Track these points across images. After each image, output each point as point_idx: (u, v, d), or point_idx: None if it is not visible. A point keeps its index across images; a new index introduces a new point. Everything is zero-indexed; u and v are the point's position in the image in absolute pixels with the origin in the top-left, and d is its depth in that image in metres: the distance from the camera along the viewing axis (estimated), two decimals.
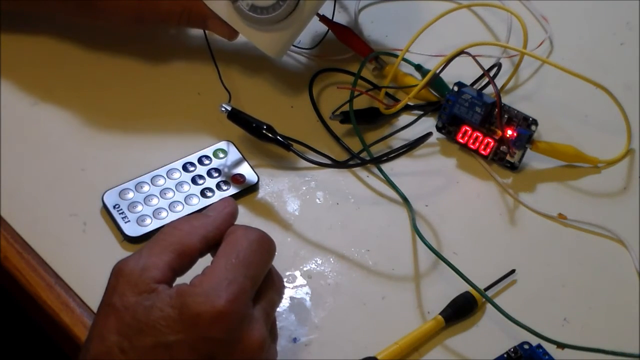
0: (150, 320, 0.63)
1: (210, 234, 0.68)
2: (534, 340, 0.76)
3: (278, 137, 0.83)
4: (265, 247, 0.68)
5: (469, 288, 0.78)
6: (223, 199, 0.72)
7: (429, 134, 0.86)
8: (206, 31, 0.90)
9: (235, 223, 0.70)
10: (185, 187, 0.83)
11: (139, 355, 0.63)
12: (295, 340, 0.76)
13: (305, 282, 0.79)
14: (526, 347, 0.76)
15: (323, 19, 0.93)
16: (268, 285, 0.69)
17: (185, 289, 0.64)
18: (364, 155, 0.86)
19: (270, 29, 0.86)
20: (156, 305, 0.64)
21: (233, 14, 0.86)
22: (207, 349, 0.64)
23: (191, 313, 0.63)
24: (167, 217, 0.81)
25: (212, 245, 0.68)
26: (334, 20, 0.94)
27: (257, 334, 0.65)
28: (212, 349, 0.64)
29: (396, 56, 0.90)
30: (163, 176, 0.83)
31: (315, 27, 0.94)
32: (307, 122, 0.89)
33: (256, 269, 0.67)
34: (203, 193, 0.82)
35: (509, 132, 0.86)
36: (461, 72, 0.88)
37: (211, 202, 0.81)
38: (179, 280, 0.67)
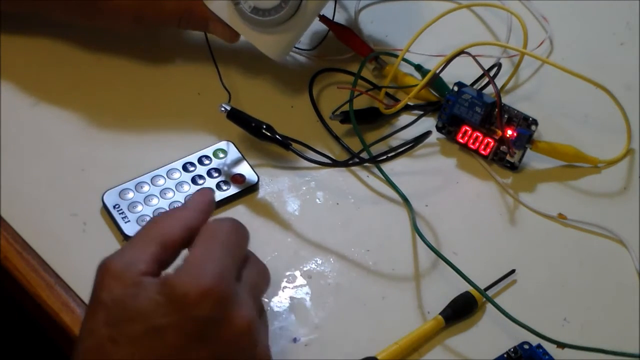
0: (138, 307, 0.64)
1: (190, 223, 0.69)
2: (534, 340, 0.76)
3: (277, 136, 0.84)
4: (239, 231, 0.69)
5: (469, 288, 0.78)
6: (199, 190, 0.73)
7: (429, 133, 0.86)
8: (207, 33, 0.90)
9: (234, 223, 0.69)
10: (185, 187, 0.83)
11: (131, 342, 0.63)
12: (295, 340, 0.76)
13: (305, 282, 0.79)
14: (526, 347, 0.76)
15: (323, 19, 0.93)
16: (249, 269, 0.69)
17: (170, 276, 0.65)
18: (363, 155, 0.86)
19: (273, 31, 0.86)
20: (142, 294, 0.64)
21: (235, 16, 0.86)
22: (196, 328, 0.64)
23: (177, 294, 0.63)
24: None
25: (194, 235, 0.68)
26: (334, 20, 0.94)
27: (244, 313, 0.65)
28: (201, 328, 0.64)
29: (396, 56, 0.90)
30: (163, 176, 0.83)
31: (315, 27, 0.94)
32: (307, 122, 0.89)
33: (234, 249, 0.67)
34: None
35: (509, 132, 0.86)
36: (461, 72, 0.88)
37: None
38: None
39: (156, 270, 0.66)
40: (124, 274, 0.65)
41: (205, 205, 0.70)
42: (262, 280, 0.70)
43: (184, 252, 0.68)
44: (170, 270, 0.67)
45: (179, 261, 0.68)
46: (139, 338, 0.63)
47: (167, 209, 0.81)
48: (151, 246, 0.67)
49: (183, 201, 0.82)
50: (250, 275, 0.69)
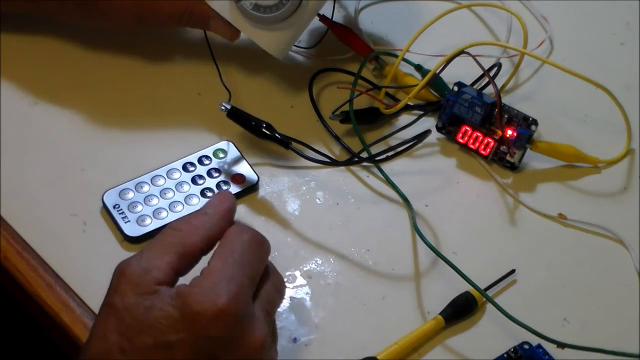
0: (151, 320, 0.64)
1: (210, 232, 0.68)
2: (534, 340, 0.76)
3: (276, 135, 0.84)
4: (259, 245, 0.69)
5: (469, 288, 0.78)
6: (220, 193, 0.72)
7: (428, 131, 0.86)
8: (207, 31, 0.90)
9: (254, 236, 0.69)
10: (185, 187, 0.83)
11: (139, 355, 0.63)
12: (295, 340, 0.76)
13: (305, 282, 0.79)
14: (526, 347, 0.76)
15: (323, 18, 0.93)
16: (267, 284, 0.69)
17: (185, 289, 0.65)
18: (363, 155, 0.86)
19: (273, 28, 0.86)
20: (156, 306, 0.64)
21: (236, 13, 0.86)
22: (208, 348, 0.64)
23: (192, 312, 0.63)
24: (167, 217, 0.81)
25: (213, 243, 0.68)
26: (334, 19, 0.94)
27: (258, 333, 0.65)
28: (213, 347, 0.64)
29: (396, 56, 0.90)
30: (163, 176, 0.83)
31: (315, 26, 0.94)
32: (307, 121, 0.89)
33: (252, 267, 0.67)
34: (203, 193, 0.82)
35: (509, 132, 0.86)
36: (461, 72, 0.88)
37: None
38: (182, 280, 0.67)
39: (172, 279, 0.66)
40: (140, 281, 0.65)
41: (226, 212, 0.70)
42: (277, 296, 0.70)
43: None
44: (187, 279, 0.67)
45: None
46: (147, 351, 0.63)
47: (167, 209, 0.81)
48: (169, 254, 0.66)
49: (183, 201, 0.82)
50: (266, 291, 0.68)
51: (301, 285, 0.79)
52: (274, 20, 0.85)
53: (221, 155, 0.85)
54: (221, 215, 0.70)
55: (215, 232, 0.68)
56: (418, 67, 0.92)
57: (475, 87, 0.89)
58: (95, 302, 0.75)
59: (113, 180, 0.82)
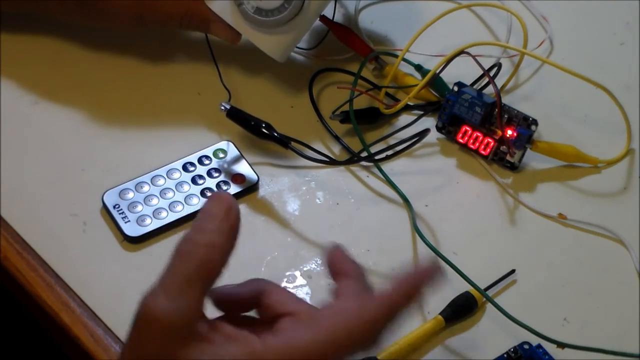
0: None
1: (220, 243, 0.60)
2: (534, 340, 0.76)
3: (276, 134, 0.84)
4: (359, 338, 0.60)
5: (469, 288, 0.78)
6: (213, 197, 0.62)
7: (427, 130, 0.86)
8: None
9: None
10: (185, 187, 0.83)
11: None
12: None
13: (305, 282, 0.79)
14: (526, 347, 0.76)
15: (323, 18, 0.93)
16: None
17: (260, 347, 0.58)
18: (363, 154, 0.86)
19: (275, 32, 0.86)
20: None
21: (237, 17, 0.86)
22: None
23: None
24: (167, 217, 0.81)
25: (228, 251, 0.60)
26: (334, 20, 0.94)
27: None
28: None
29: (396, 56, 0.90)
30: (163, 176, 0.83)
31: (316, 27, 0.93)
32: (307, 121, 0.89)
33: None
34: (203, 193, 0.82)
35: (509, 132, 0.86)
36: (461, 72, 0.88)
37: None
38: None
39: (203, 311, 0.59)
40: (176, 325, 0.56)
41: (224, 216, 0.61)
42: None
43: None
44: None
45: None
46: None
47: (167, 209, 0.81)
48: (195, 282, 0.58)
49: (183, 201, 0.82)
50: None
51: (301, 285, 0.79)
52: (276, 23, 0.85)
53: (221, 155, 0.85)
54: (220, 222, 0.61)
55: (222, 240, 0.60)
56: (418, 67, 0.92)
57: (475, 87, 0.89)
58: (95, 302, 0.76)
59: (113, 180, 0.82)
